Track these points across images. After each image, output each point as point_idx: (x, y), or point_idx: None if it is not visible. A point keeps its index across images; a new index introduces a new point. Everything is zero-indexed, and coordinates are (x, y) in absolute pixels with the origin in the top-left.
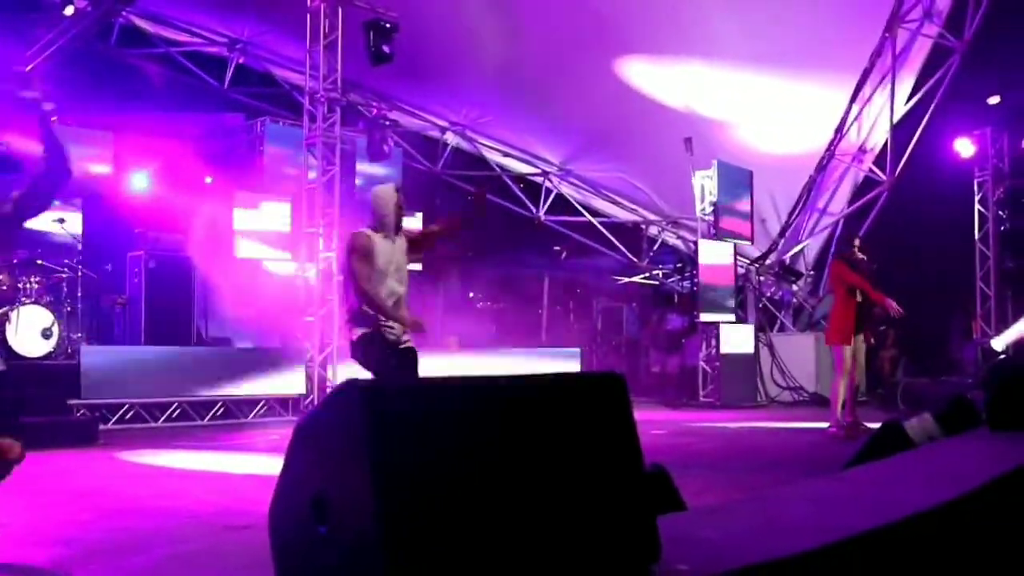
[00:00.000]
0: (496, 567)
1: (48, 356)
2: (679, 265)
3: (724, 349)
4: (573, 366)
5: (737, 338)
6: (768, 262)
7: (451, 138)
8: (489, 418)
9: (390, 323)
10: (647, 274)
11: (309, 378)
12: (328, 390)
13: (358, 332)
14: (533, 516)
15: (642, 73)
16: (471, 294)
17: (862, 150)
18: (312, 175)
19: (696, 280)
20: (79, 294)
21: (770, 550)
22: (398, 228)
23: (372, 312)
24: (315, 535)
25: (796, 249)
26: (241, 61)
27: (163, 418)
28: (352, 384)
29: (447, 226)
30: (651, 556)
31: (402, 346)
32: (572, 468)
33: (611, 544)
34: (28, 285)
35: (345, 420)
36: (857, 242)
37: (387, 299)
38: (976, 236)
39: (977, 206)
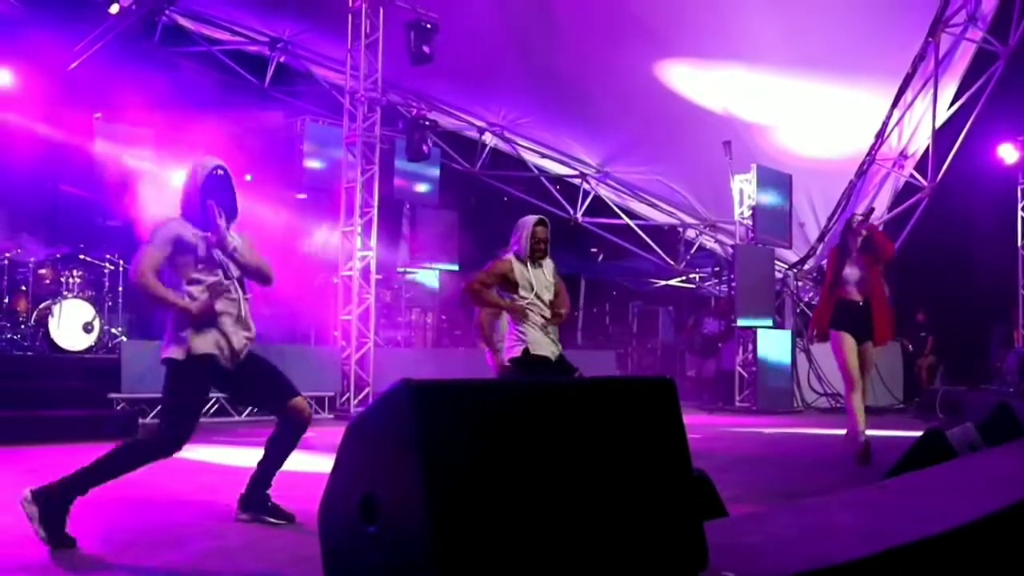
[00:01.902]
0: (545, 570)
1: (89, 350)
2: (716, 269)
3: (761, 354)
4: (608, 369)
5: (774, 343)
6: (806, 267)
7: (489, 139)
8: (540, 420)
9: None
10: (684, 277)
11: (345, 376)
12: (366, 389)
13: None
14: (583, 519)
15: (682, 76)
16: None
17: (903, 155)
18: (351, 174)
19: (733, 284)
20: (120, 288)
21: (815, 559)
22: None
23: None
24: (364, 534)
25: None
26: (282, 60)
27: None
28: (405, 384)
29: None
30: (699, 562)
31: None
32: (622, 471)
33: (660, 549)
34: (70, 279)
35: (396, 420)
36: (858, 217)
37: None
38: (1019, 243)
39: (1020, 213)
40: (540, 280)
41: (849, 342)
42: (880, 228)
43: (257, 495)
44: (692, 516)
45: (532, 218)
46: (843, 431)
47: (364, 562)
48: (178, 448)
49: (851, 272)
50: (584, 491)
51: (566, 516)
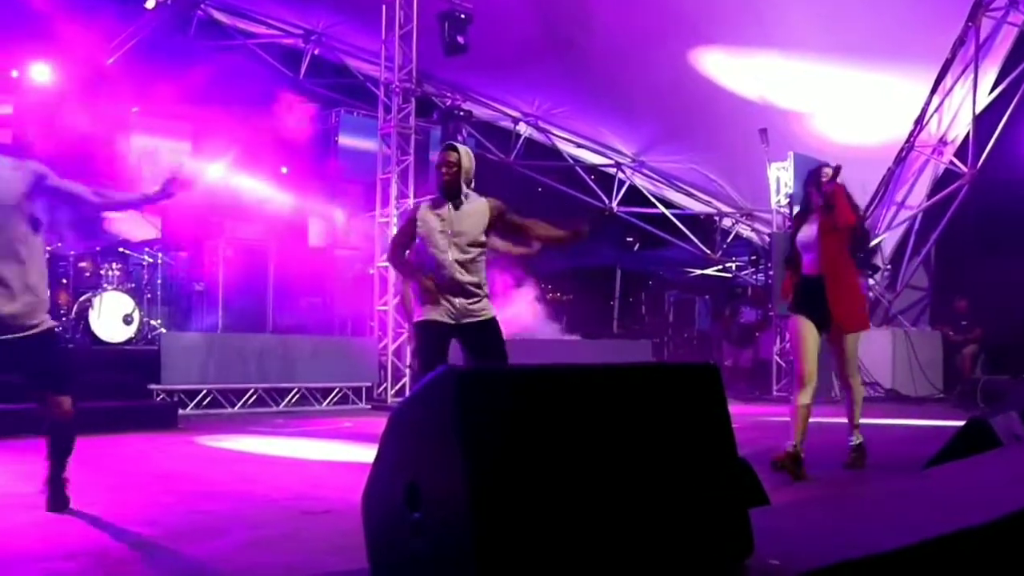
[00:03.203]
0: (589, 557)
1: (129, 341)
2: (753, 258)
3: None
4: (644, 358)
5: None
6: None
7: (524, 129)
8: (583, 407)
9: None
10: (720, 266)
11: (382, 366)
12: (402, 379)
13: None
14: (627, 506)
15: (718, 64)
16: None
17: (942, 142)
18: (386, 165)
19: (770, 273)
20: (159, 281)
21: (858, 547)
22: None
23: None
24: (408, 521)
25: (873, 243)
26: (316, 52)
27: (239, 404)
28: (448, 371)
29: (550, 236)
30: (745, 549)
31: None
32: (667, 458)
33: (705, 535)
34: (110, 272)
35: (439, 407)
36: (827, 171)
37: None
38: None
39: None
40: (463, 221)
41: (805, 328)
42: (845, 191)
43: None
44: (737, 503)
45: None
46: (881, 420)
47: (409, 550)
48: None
49: (806, 236)
50: (628, 478)
51: (610, 503)
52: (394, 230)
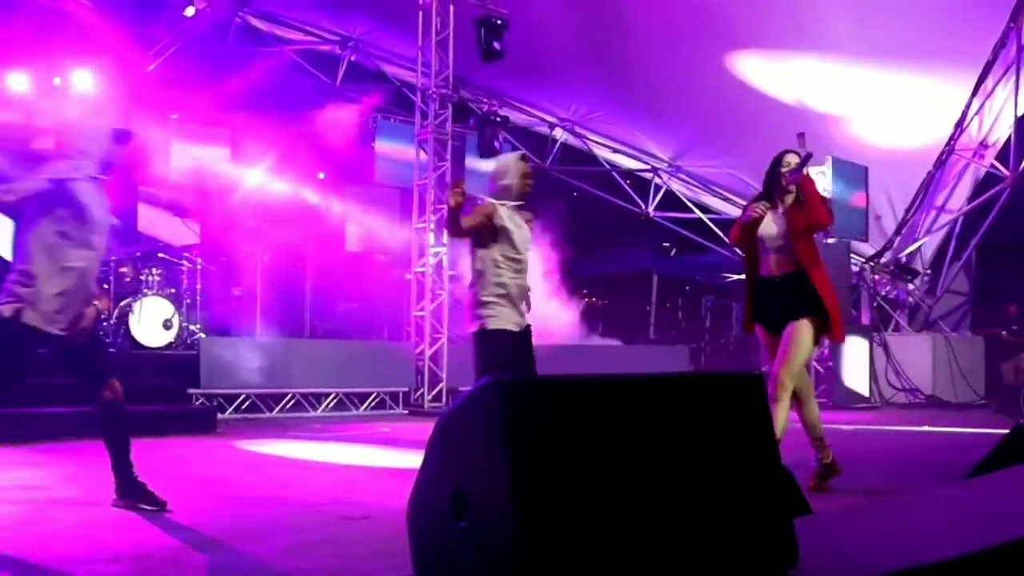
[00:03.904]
0: (634, 567)
1: (168, 346)
2: None
3: (837, 349)
4: (681, 364)
5: (850, 337)
6: (883, 260)
7: (560, 134)
8: (628, 417)
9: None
10: None
11: (419, 372)
12: (439, 384)
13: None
14: (672, 515)
15: (754, 68)
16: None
17: (983, 145)
18: (423, 171)
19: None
20: (198, 286)
21: (902, 558)
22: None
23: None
24: (453, 529)
25: (913, 247)
26: (353, 59)
27: (277, 408)
28: (493, 381)
29: None
30: (790, 559)
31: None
32: (711, 468)
33: (751, 545)
34: (150, 277)
35: (485, 417)
36: (790, 160)
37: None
38: None
39: None
40: (525, 235)
41: (773, 345)
42: (815, 185)
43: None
44: (782, 513)
45: (513, 155)
46: (922, 427)
47: (455, 557)
48: None
49: (770, 232)
50: (673, 487)
51: (655, 512)
52: (431, 236)
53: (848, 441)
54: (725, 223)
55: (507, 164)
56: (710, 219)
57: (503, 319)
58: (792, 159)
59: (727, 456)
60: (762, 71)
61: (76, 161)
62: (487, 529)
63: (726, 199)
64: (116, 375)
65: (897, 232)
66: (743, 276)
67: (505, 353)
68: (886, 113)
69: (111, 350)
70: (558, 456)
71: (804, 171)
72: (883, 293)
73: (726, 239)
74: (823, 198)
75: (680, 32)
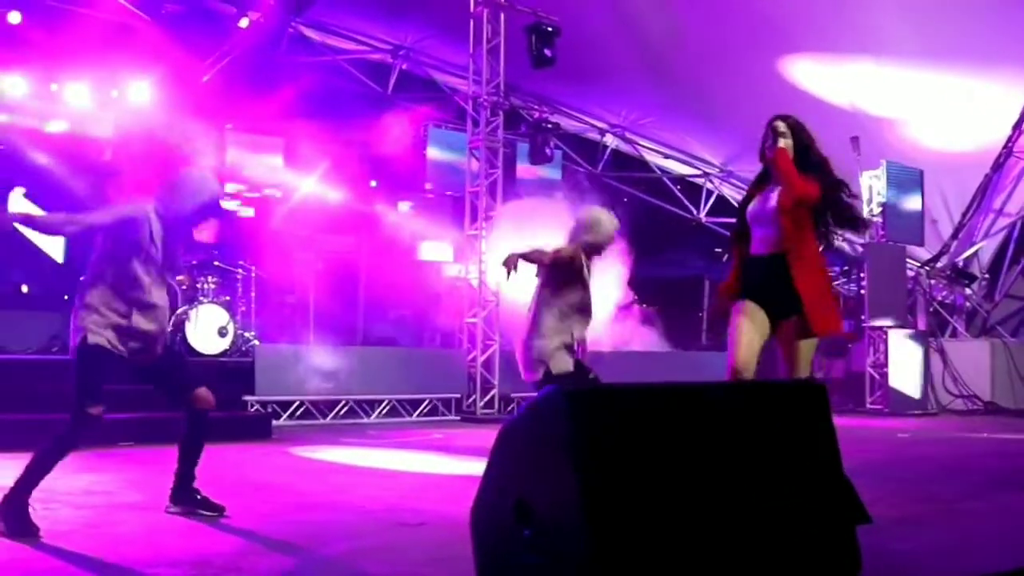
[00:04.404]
0: (701, 573)
1: (224, 353)
2: (845, 268)
3: (892, 354)
4: None
5: (906, 343)
6: (939, 265)
7: (610, 140)
8: (692, 424)
9: None
10: None
11: (471, 378)
12: (491, 391)
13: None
14: (737, 522)
15: (806, 72)
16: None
17: None
18: (475, 179)
19: (863, 283)
20: (252, 294)
21: (966, 567)
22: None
23: None
24: (518, 537)
25: (970, 251)
26: (404, 67)
27: (331, 415)
28: (557, 390)
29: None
30: (853, 567)
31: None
32: (775, 475)
33: (814, 552)
34: (206, 285)
35: (550, 425)
36: (779, 125)
37: None
38: None
39: None
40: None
41: (749, 313)
42: (787, 156)
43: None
44: (845, 521)
45: (607, 213)
46: (981, 434)
47: (520, 564)
48: None
49: (759, 208)
50: (738, 494)
51: (720, 519)
52: (483, 243)
53: (906, 448)
54: None
55: (599, 220)
56: None
57: (565, 364)
58: (779, 125)
59: (790, 463)
60: (815, 75)
61: (154, 204)
62: (554, 536)
63: None
64: (203, 383)
65: (954, 236)
66: None
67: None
68: (942, 115)
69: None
70: (623, 464)
71: (780, 144)
72: (939, 298)
73: None
74: (816, 162)
75: (732, 37)
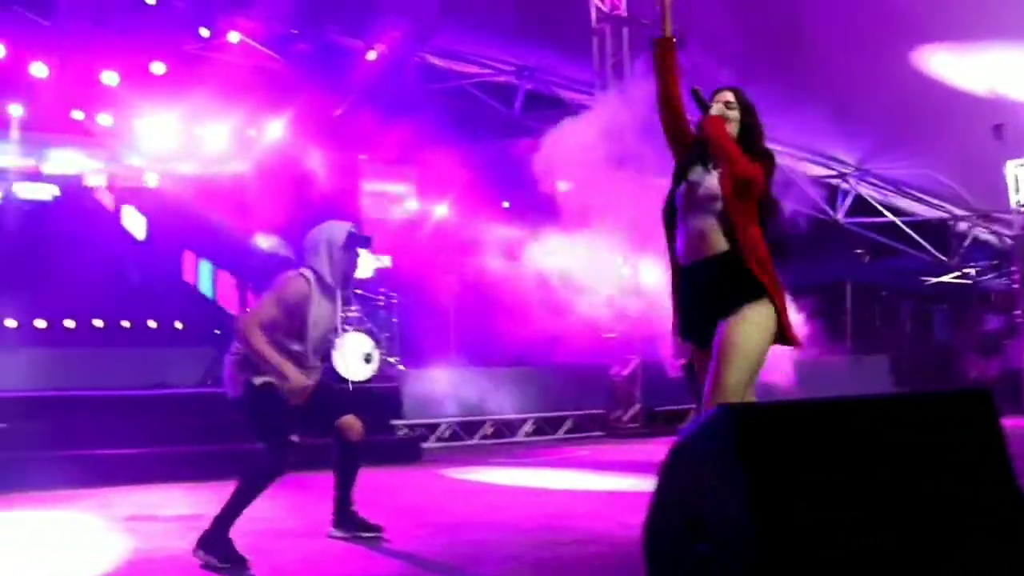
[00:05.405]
0: None
1: (370, 379)
2: (995, 262)
3: None
4: (882, 374)
5: None
6: None
7: None
8: (859, 439)
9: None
10: (958, 273)
11: (613, 394)
12: (635, 406)
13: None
14: (910, 540)
15: (942, 62)
16: None
17: None
18: None
19: (1014, 276)
20: (394, 320)
21: None
22: None
23: None
24: (692, 553)
25: None
26: (529, 87)
27: (478, 435)
28: (728, 408)
29: None
30: None
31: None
32: (947, 489)
33: (991, 570)
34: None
35: (720, 443)
36: (725, 92)
37: None
38: None
39: None
40: None
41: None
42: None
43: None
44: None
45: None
46: None
47: None
48: None
49: (684, 205)
50: (909, 511)
51: (893, 535)
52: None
53: None
54: (918, 225)
55: None
56: (904, 222)
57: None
58: (727, 95)
59: (962, 477)
60: (951, 65)
61: (299, 281)
62: (728, 552)
63: (919, 200)
64: (353, 411)
65: None
66: (942, 279)
67: None
68: None
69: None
70: (794, 480)
71: (714, 112)
72: None
73: (923, 242)
74: (757, 149)
75: (861, 32)
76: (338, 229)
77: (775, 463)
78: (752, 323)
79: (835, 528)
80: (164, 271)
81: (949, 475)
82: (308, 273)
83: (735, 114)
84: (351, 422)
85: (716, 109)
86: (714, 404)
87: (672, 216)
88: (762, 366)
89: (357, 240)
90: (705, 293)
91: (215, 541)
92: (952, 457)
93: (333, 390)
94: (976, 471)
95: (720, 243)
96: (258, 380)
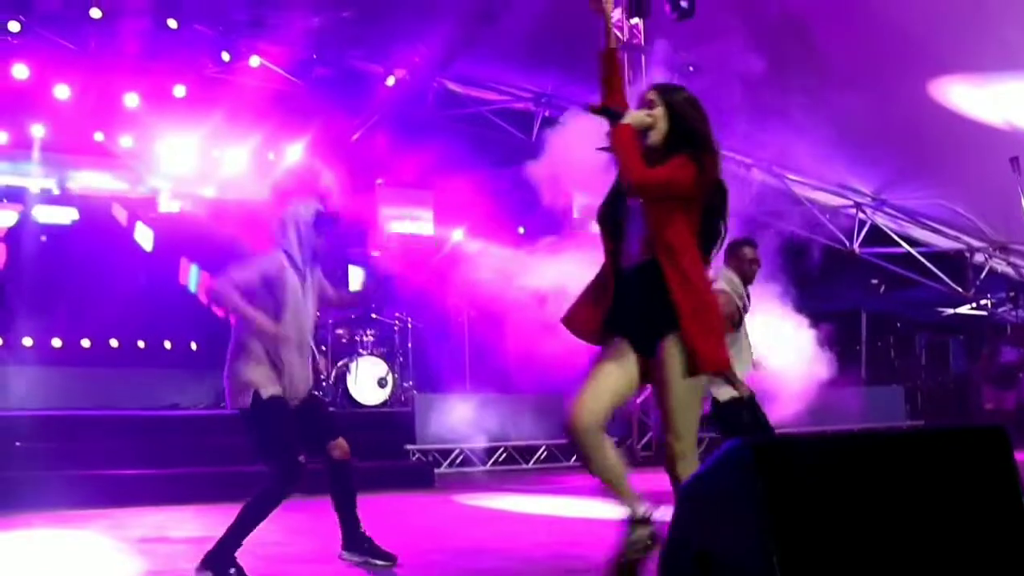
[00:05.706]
0: None
1: (384, 404)
2: (1011, 294)
3: None
4: (897, 405)
5: None
6: None
7: (758, 175)
8: (876, 474)
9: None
10: (974, 304)
11: (627, 421)
12: (649, 433)
13: None
14: None
15: (959, 94)
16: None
17: None
18: None
19: None
20: (409, 345)
21: None
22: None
23: None
24: None
25: None
26: (547, 114)
27: (491, 462)
28: (745, 443)
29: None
30: None
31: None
32: (962, 528)
33: None
34: (364, 337)
35: (737, 478)
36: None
37: None
38: None
39: None
40: None
41: (615, 354)
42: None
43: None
44: None
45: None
46: None
47: None
48: None
49: (624, 208)
50: (929, 548)
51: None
52: None
53: None
54: (935, 256)
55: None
56: (920, 252)
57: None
58: (649, 95)
59: (977, 514)
60: (968, 96)
61: (277, 255)
62: None
63: (936, 231)
64: (340, 433)
65: None
66: (958, 310)
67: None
68: None
69: (331, 409)
70: (812, 516)
71: (636, 119)
72: None
73: (939, 273)
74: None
75: (877, 61)
76: (304, 207)
77: (793, 499)
78: (672, 370)
79: (851, 564)
80: (179, 291)
81: (964, 512)
82: (280, 254)
83: (659, 112)
84: (338, 442)
85: (631, 117)
86: (678, 451)
87: (610, 217)
88: (701, 395)
89: (324, 218)
90: (638, 303)
91: (220, 562)
92: (967, 494)
93: (322, 411)
94: (991, 509)
95: (646, 251)
96: (264, 393)
